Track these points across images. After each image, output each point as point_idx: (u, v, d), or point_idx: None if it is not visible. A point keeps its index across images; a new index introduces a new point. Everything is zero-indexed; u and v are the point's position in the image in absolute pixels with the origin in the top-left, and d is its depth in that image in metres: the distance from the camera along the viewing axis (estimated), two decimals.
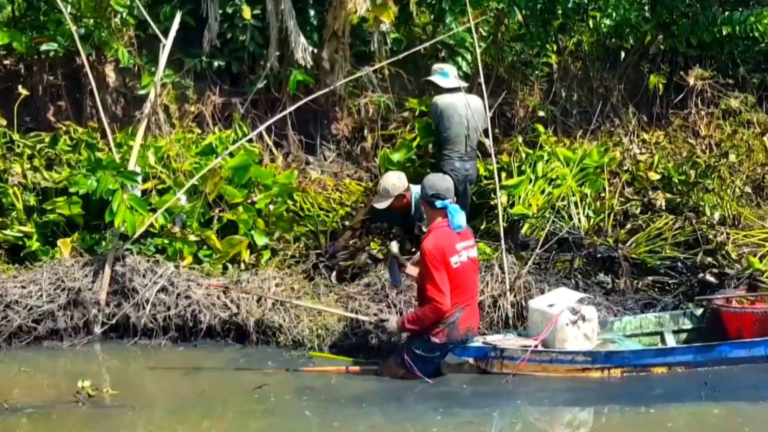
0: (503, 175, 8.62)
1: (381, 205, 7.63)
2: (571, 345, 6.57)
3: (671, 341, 7.17)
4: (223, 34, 9.44)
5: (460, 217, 6.43)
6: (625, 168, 9.08)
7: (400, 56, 8.87)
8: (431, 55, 9.77)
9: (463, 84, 8.44)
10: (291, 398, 6.18)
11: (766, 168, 9.57)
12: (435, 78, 8.33)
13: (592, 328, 6.66)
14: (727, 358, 6.65)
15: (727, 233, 8.27)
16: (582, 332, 6.60)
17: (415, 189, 7.55)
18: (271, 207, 8.09)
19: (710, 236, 8.20)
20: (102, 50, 9.09)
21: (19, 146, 8.26)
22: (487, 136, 8.25)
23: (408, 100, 9.44)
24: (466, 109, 8.09)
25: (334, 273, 7.85)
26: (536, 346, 6.50)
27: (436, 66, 8.52)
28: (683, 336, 7.26)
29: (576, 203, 8.56)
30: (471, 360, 6.54)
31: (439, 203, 6.43)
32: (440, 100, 8.21)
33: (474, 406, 6.06)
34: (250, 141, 8.64)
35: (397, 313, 7.20)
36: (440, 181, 6.59)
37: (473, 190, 8.47)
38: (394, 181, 7.62)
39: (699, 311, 7.31)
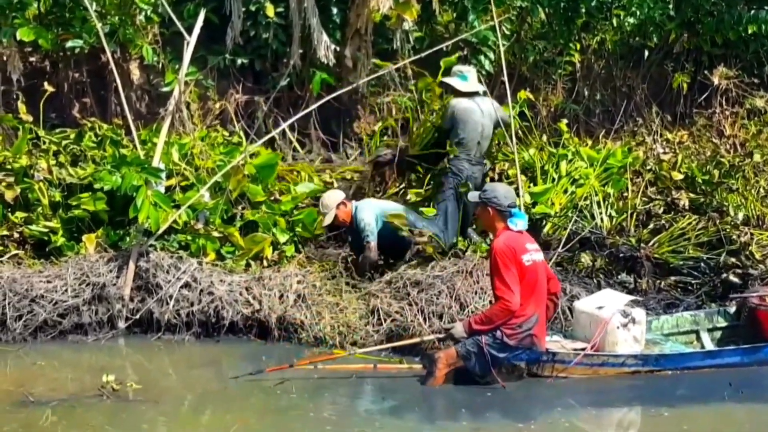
0: (522, 178, 8.58)
1: (327, 220, 7.75)
2: (621, 348, 6.50)
3: (707, 339, 7.15)
4: (246, 31, 9.50)
5: (521, 222, 6.33)
6: (648, 167, 9.02)
7: (423, 54, 8.86)
8: (453, 53, 9.76)
9: (481, 88, 8.23)
10: (312, 396, 6.17)
11: None
12: (453, 81, 8.10)
13: (641, 331, 6.59)
14: None
15: (751, 233, 8.21)
16: (632, 335, 6.54)
17: (355, 204, 7.72)
18: (295, 211, 8.12)
19: (734, 236, 8.13)
20: (126, 47, 9.18)
21: (44, 142, 8.35)
22: (507, 129, 8.15)
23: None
24: (481, 116, 7.99)
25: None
26: (588, 349, 6.42)
27: (456, 68, 8.24)
28: (717, 334, 7.23)
29: (599, 203, 8.52)
30: (523, 364, 6.41)
31: (515, 211, 6.33)
32: (457, 104, 8.00)
33: (503, 412, 6.00)
34: (273, 139, 8.69)
35: (418, 311, 7.17)
36: (507, 189, 6.50)
37: None
38: (329, 194, 7.86)
39: (732, 309, 7.27)
